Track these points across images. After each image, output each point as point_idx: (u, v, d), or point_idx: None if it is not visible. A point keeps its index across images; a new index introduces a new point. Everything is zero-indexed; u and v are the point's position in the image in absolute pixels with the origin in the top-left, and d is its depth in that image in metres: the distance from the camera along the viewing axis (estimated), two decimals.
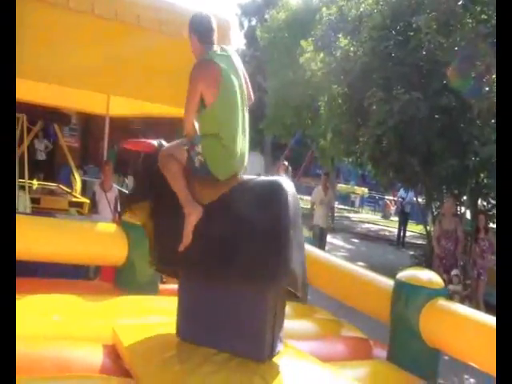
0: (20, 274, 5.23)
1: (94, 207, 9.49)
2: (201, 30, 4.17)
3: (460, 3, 12.52)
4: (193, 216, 3.98)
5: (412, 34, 13.14)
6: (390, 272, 6.27)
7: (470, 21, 12.42)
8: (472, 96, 11.42)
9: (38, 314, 4.54)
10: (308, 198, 18.25)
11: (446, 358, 5.28)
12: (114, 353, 4.03)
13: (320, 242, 13.88)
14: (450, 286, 10.65)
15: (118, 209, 9.22)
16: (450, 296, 10.11)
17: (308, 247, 6.68)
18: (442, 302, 4.95)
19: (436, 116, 12.45)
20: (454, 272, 10.97)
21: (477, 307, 9.78)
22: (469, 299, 10.93)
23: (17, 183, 9.13)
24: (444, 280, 10.54)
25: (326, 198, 14.09)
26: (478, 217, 11.89)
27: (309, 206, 14.72)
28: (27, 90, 8.29)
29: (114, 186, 9.96)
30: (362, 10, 15.81)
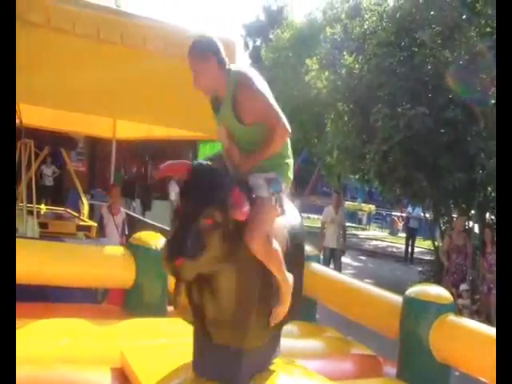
0: (31, 299, 5.29)
1: (101, 230, 9.50)
2: (220, 52, 3.57)
3: (464, 17, 12.57)
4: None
5: (417, 49, 13.19)
6: (399, 288, 6.24)
7: (475, 34, 12.46)
8: (478, 104, 11.46)
9: (47, 338, 4.54)
10: (315, 216, 18.18)
11: (457, 373, 5.25)
12: (122, 376, 4.02)
13: (334, 264, 13.49)
14: (459, 301, 10.64)
15: (126, 232, 9.24)
16: (460, 310, 10.12)
17: (316, 265, 6.69)
18: (452, 318, 4.93)
19: (442, 130, 12.45)
20: (463, 287, 10.95)
21: (488, 322, 9.74)
22: (478, 314, 10.89)
23: (25, 208, 9.17)
24: (453, 294, 10.55)
25: (337, 216, 13.57)
26: (485, 231, 11.86)
27: (314, 225, 14.42)
28: (34, 115, 8.35)
29: (122, 209, 9.99)
30: (366, 27, 15.90)
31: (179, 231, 3.26)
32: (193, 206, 3.27)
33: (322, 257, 13.15)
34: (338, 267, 13.44)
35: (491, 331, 4.64)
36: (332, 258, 13.53)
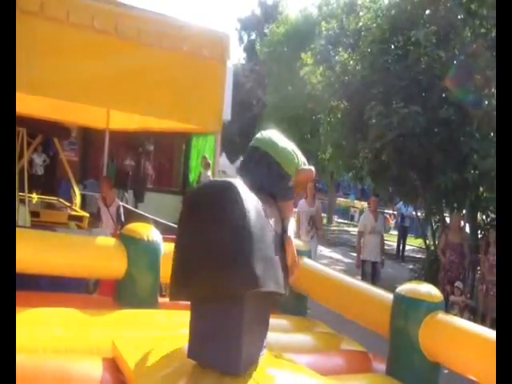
0: (22, 287, 5.27)
1: (98, 221, 9.57)
2: None
3: (459, 17, 12.60)
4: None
5: (411, 47, 13.22)
6: (390, 285, 6.26)
7: (469, 34, 12.50)
8: (472, 105, 11.48)
9: (39, 327, 4.54)
10: None
11: (446, 371, 5.26)
12: (113, 366, 4.02)
13: (373, 278, 11.53)
14: (451, 297, 10.71)
15: (122, 219, 9.27)
16: (451, 306, 10.20)
17: (307, 260, 6.68)
18: (442, 316, 4.94)
19: (435, 129, 12.48)
20: (456, 284, 11.01)
21: (483, 322, 9.81)
22: (470, 311, 10.94)
23: (17, 197, 9.13)
24: (447, 291, 10.61)
25: (377, 224, 11.92)
26: (489, 231, 11.90)
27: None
28: (27, 104, 8.31)
29: (117, 200, 9.98)
30: (361, 23, 15.92)
31: None
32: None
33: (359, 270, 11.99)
34: (378, 279, 11.58)
35: (480, 330, 4.67)
36: (373, 272, 11.71)
